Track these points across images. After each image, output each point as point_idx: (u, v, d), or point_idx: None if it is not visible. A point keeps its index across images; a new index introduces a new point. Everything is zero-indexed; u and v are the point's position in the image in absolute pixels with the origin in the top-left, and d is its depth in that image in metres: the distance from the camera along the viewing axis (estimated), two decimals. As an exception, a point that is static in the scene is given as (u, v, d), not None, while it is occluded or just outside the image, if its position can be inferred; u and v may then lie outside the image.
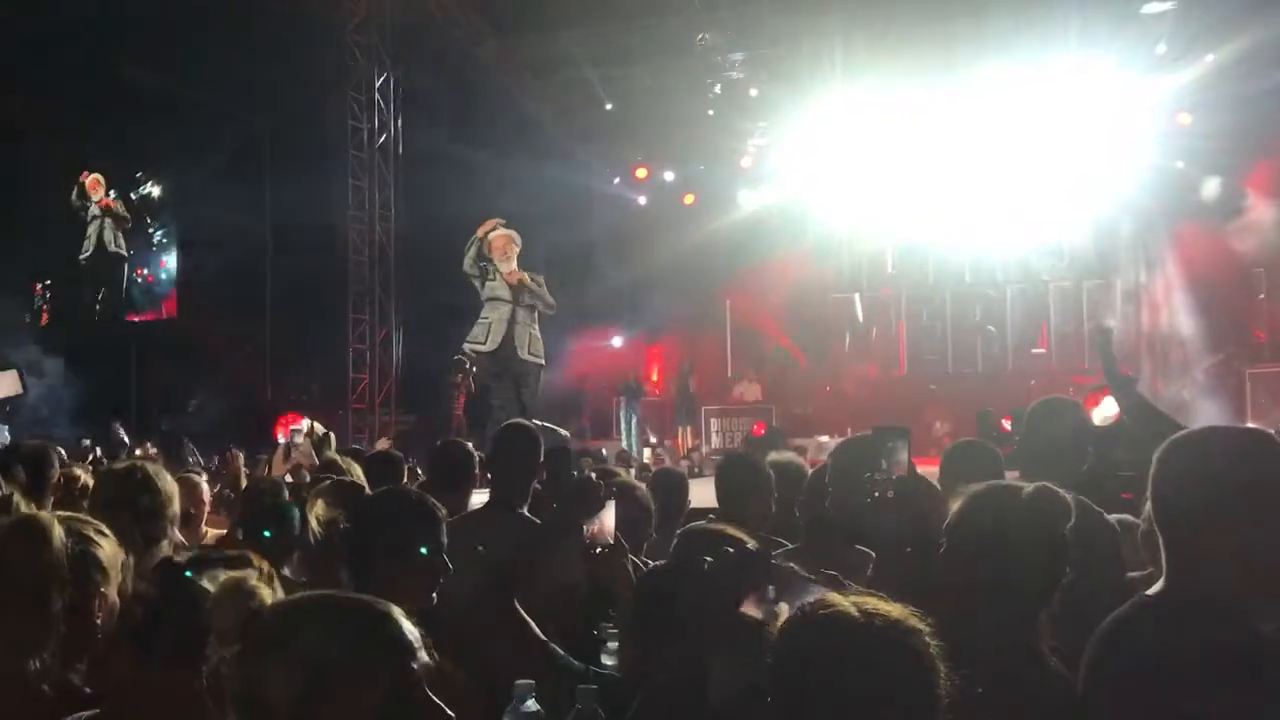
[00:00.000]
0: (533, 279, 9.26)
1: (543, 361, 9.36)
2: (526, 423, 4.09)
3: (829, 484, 3.25)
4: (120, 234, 13.95)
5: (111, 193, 13.95)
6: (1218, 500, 2.03)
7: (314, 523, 3.32)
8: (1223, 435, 2.17)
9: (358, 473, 4.98)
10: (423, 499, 2.77)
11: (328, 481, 3.74)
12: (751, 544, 2.30)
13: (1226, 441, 2.13)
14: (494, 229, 9.26)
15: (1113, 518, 3.36)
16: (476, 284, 9.28)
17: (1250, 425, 2.24)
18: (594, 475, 2.94)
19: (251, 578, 1.79)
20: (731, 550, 2.19)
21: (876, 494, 3.28)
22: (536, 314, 9.23)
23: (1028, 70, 14.17)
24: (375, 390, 15.67)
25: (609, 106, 15.75)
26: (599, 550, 2.81)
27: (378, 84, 15.58)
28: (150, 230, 16.93)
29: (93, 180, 13.86)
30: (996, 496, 2.34)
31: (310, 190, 15.10)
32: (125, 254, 14.27)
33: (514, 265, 9.20)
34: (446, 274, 16.05)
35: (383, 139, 15.74)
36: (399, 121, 15.80)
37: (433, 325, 16.42)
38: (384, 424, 15.70)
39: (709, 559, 2.15)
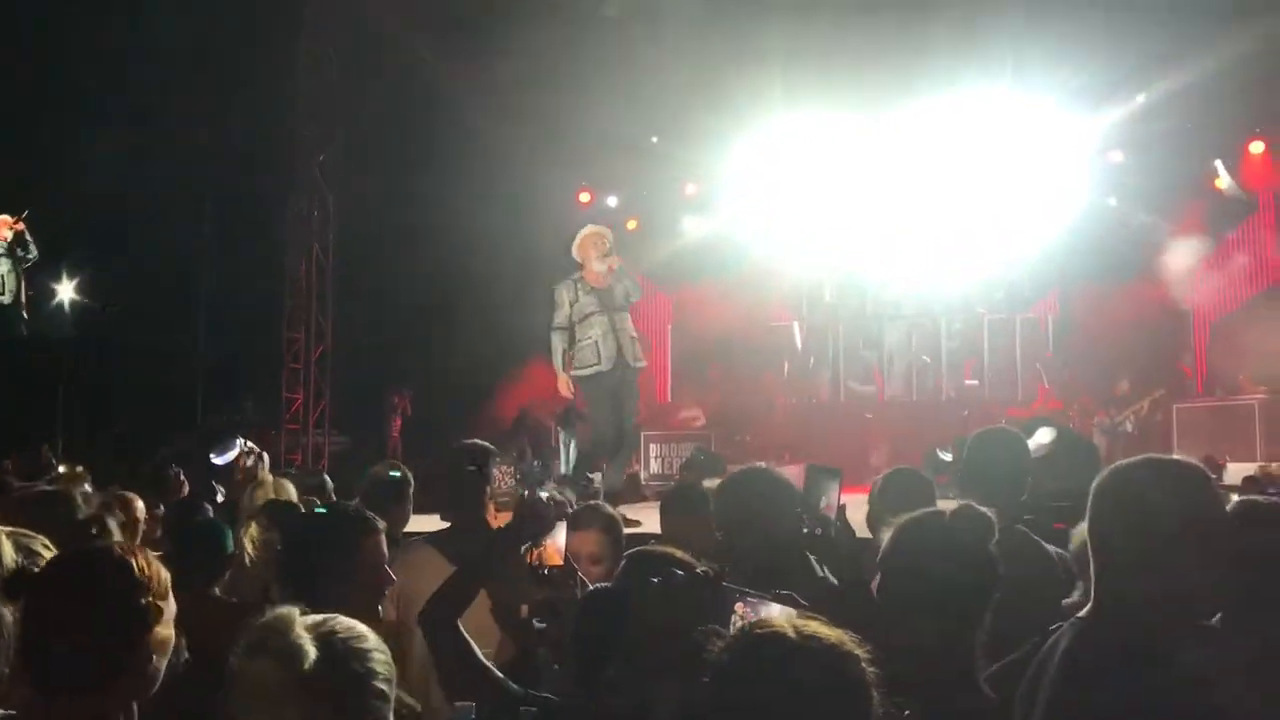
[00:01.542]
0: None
1: (645, 364, 8.63)
2: (482, 442, 4.05)
3: (720, 520, 3.22)
4: (20, 272, 12.87)
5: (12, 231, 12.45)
6: (1148, 530, 2.08)
7: (248, 545, 3.27)
8: (1158, 466, 2.23)
9: (291, 494, 4.97)
10: (361, 513, 2.76)
11: (262, 501, 3.71)
12: (701, 567, 2.32)
13: (1161, 472, 2.18)
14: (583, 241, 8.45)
15: (1050, 548, 3.42)
16: (561, 315, 8.37)
17: (1181, 458, 2.30)
18: (546, 495, 2.94)
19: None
20: (680, 572, 2.20)
21: (806, 530, 3.33)
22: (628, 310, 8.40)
23: (966, 105, 14.51)
24: (309, 410, 15.47)
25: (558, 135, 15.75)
26: (547, 572, 2.80)
27: (320, 99, 15.45)
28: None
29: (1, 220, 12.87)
30: (922, 522, 2.39)
31: (249, 204, 14.93)
32: (22, 298, 13.06)
33: (604, 265, 8.31)
34: (384, 292, 16.12)
35: (322, 156, 15.60)
36: (340, 137, 15.68)
37: (369, 345, 16.30)
38: (318, 445, 15.53)
39: (655, 580, 2.16)
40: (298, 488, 5.16)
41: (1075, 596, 3.05)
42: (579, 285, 8.36)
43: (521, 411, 17.45)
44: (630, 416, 8.43)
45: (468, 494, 3.73)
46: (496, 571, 2.75)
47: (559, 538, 2.84)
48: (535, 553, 2.83)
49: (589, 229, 8.67)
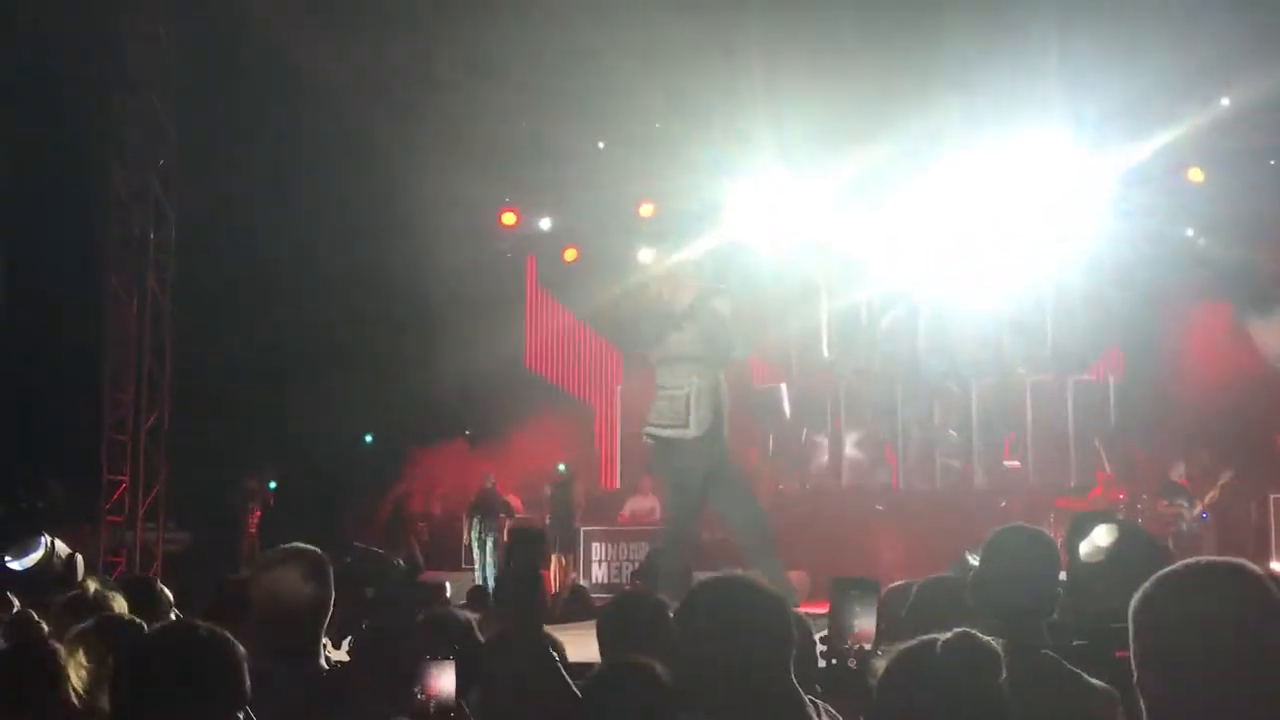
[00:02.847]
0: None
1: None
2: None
3: (684, 650, 3.21)
4: None
5: None
6: (1210, 661, 2.12)
7: (75, 680, 3.26)
8: (1218, 573, 2.25)
9: (121, 607, 4.96)
10: (220, 636, 2.80)
11: (89, 621, 3.69)
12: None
13: (1224, 582, 2.21)
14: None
15: (1095, 683, 3.49)
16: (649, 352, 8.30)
17: (1239, 561, 2.36)
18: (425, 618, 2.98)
19: None
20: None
21: (834, 660, 3.36)
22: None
23: (996, 105, 14.70)
24: (138, 497, 15.32)
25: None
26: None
27: (156, 88, 15.42)
28: None
29: None
30: (912, 660, 2.48)
31: (62, 222, 14.85)
32: None
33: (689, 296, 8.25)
34: (243, 343, 16.04)
35: (162, 161, 15.58)
36: (185, 137, 15.67)
37: (221, 412, 16.19)
38: (148, 543, 15.37)
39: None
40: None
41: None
42: (674, 315, 8.09)
43: (396, 504, 17.30)
44: (752, 506, 8.14)
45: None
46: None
47: (444, 678, 2.89)
48: (421, 695, 2.88)
49: (670, 264, 8.77)
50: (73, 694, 3.25)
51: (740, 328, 8.45)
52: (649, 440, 8.08)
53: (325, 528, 13.11)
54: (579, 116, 15.61)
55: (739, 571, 3.59)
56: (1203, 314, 15.71)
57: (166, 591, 5.78)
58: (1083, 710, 3.30)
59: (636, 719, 2.15)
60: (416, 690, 2.87)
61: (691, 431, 7.86)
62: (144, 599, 5.32)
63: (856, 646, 3.47)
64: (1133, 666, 2.26)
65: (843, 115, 14.90)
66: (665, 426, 7.90)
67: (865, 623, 3.53)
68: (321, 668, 3.87)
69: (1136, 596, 2.25)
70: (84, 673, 3.27)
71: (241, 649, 2.76)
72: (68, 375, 15.46)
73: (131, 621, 3.77)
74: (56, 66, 14.36)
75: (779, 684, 2.97)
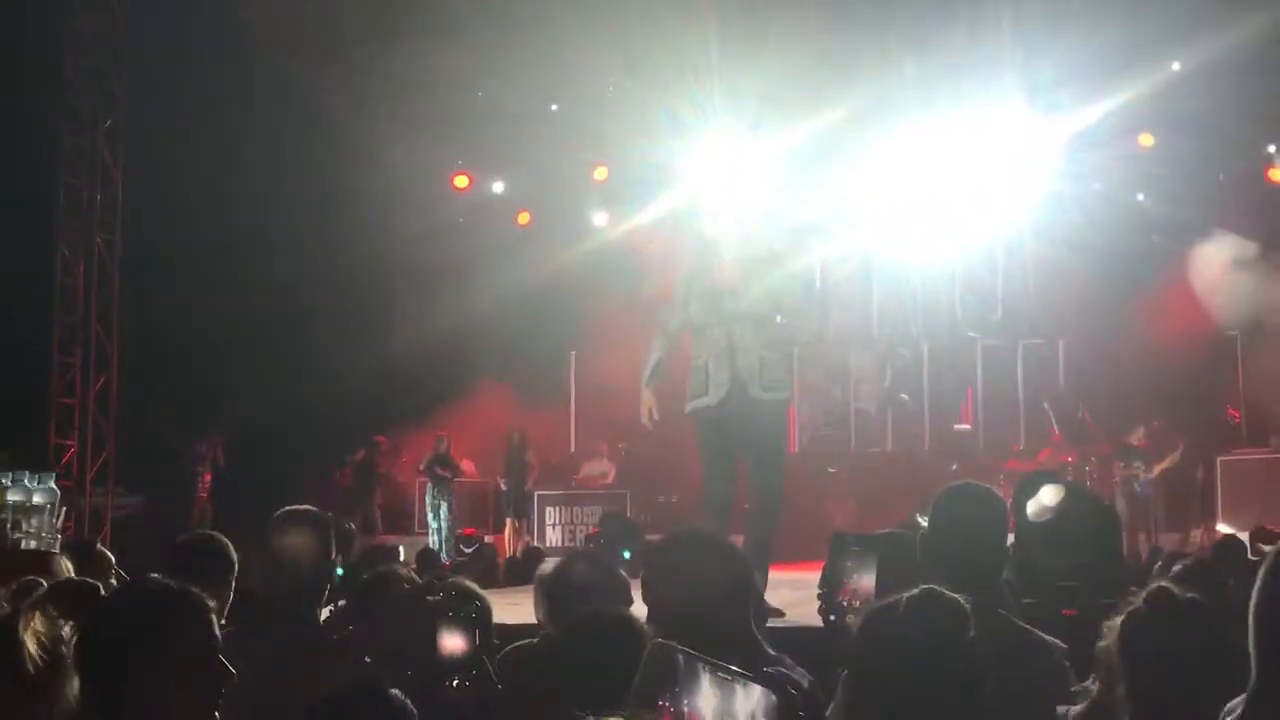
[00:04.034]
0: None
1: (785, 394, 7.89)
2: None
3: (656, 593, 3.29)
4: None
5: None
6: None
7: (31, 646, 3.27)
8: None
9: (66, 568, 5.00)
10: (185, 591, 2.82)
11: (43, 587, 3.71)
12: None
13: None
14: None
15: (1044, 637, 3.57)
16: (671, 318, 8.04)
17: None
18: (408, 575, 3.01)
19: None
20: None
21: (833, 617, 3.41)
22: (768, 328, 7.80)
23: (946, 68, 14.74)
24: (87, 461, 15.25)
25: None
26: (454, 684, 2.87)
27: (104, 45, 15.28)
28: None
29: None
30: (884, 619, 2.52)
31: (8, 182, 14.70)
32: None
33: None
34: (191, 305, 15.94)
35: (109, 123, 15.45)
36: (133, 97, 15.53)
37: (168, 375, 16.11)
38: (97, 508, 15.30)
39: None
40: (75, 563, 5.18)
41: (1079, 706, 3.16)
42: (699, 281, 7.87)
43: (361, 466, 17.26)
44: (766, 471, 7.67)
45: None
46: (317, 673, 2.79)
47: (452, 638, 2.92)
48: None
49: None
50: (29, 663, 3.25)
51: (798, 284, 8.23)
52: (692, 416, 7.96)
53: (279, 493, 13.07)
54: (532, 79, 15.57)
55: (698, 528, 3.63)
56: (1152, 277, 15.87)
57: (108, 554, 5.81)
58: (1033, 664, 3.37)
59: (618, 661, 2.21)
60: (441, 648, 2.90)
61: (710, 400, 7.54)
62: (85, 561, 5.36)
63: (851, 603, 3.52)
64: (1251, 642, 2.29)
65: (798, 78, 14.93)
66: (694, 399, 7.63)
67: (862, 579, 3.57)
68: (320, 627, 3.91)
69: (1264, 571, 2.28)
70: (43, 640, 3.27)
71: (206, 598, 2.79)
72: (14, 338, 15.30)
73: (87, 584, 3.79)
74: (4, 27, 14.16)
75: (738, 630, 3.08)
